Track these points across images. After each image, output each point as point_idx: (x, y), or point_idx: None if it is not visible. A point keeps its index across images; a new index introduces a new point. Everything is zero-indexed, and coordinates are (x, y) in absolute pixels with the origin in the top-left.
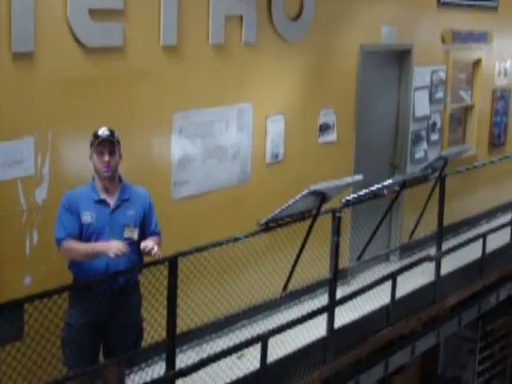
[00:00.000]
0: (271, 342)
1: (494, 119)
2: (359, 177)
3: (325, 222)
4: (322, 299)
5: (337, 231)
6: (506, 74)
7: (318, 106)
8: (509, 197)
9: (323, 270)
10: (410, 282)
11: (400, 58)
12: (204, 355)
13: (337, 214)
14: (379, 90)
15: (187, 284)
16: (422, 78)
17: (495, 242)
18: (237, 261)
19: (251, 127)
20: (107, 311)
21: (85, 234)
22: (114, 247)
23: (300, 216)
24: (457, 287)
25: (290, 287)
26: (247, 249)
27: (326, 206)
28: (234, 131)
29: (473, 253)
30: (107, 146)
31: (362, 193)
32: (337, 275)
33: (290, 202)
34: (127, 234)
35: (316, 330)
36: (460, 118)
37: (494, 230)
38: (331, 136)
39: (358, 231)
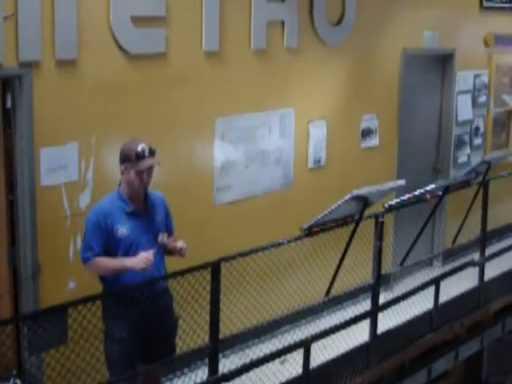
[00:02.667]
0: (314, 347)
1: None
2: (402, 182)
3: (367, 227)
4: (365, 304)
5: (379, 236)
6: None
7: (360, 110)
8: None
9: (366, 276)
10: (453, 288)
11: (442, 62)
12: (247, 360)
13: (380, 219)
14: (422, 95)
15: (230, 289)
16: (464, 82)
17: None
18: (279, 266)
19: (293, 132)
20: (148, 318)
21: (123, 246)
22: (140, 261)
23: (343, 221)
24: (500, 292)
25: (333, 292)
26: (290, 254)
27: (368, 211)
28: (276, 136)
29: None
30: (150, 163)
31: (404, 197)
32: (380, 280)
33: (333, 207)
34: (160, 239)
35: (359, 335)
36: (503, 122)
37: None
38: (373, 141)
39: (401, 236)
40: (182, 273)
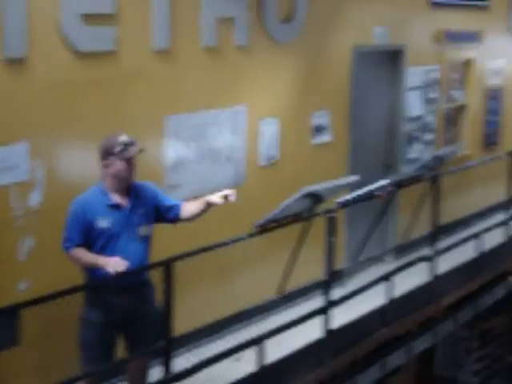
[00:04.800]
0: (268, 344)
1: (487, 119)
2: (354, 177)
3: (321, 224)
4: (318, 301)
5: (331, 232)
6: (497, 73)
7: (311, 107)
8: (502, 196)
9: (319, 272)
10: (405, 283)
11: (393, 59)
12: (201, 358)
13: (331, 215)
14: (373, 91)
15: (184, 287)
16: (415, 78)
17: (490, 241)
18: (232, 264)
19: (245, 130)
20: (127, 309)
21: (102, 238)
22: (112, 264)
23: (295, 218)
24: (452, 287)
25: (286, 289)
26: (242, 252)
27: (322, 207)
28: (227, 134)
29: (468, 252)
30: (137, 149)
31: (356, 193)
32: (332, 276)
33: (285, 204)
34: (142, 232)
35: (312, 331)
36: (453, 117)
37: (488, 230)
38: (325, 137)
39: (355, 232)
40: (142, 269)
